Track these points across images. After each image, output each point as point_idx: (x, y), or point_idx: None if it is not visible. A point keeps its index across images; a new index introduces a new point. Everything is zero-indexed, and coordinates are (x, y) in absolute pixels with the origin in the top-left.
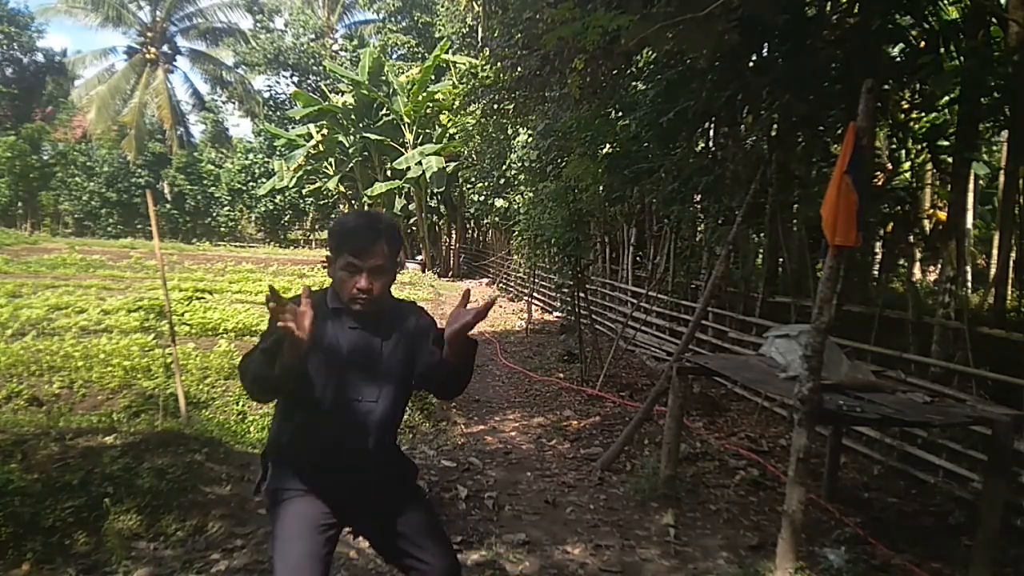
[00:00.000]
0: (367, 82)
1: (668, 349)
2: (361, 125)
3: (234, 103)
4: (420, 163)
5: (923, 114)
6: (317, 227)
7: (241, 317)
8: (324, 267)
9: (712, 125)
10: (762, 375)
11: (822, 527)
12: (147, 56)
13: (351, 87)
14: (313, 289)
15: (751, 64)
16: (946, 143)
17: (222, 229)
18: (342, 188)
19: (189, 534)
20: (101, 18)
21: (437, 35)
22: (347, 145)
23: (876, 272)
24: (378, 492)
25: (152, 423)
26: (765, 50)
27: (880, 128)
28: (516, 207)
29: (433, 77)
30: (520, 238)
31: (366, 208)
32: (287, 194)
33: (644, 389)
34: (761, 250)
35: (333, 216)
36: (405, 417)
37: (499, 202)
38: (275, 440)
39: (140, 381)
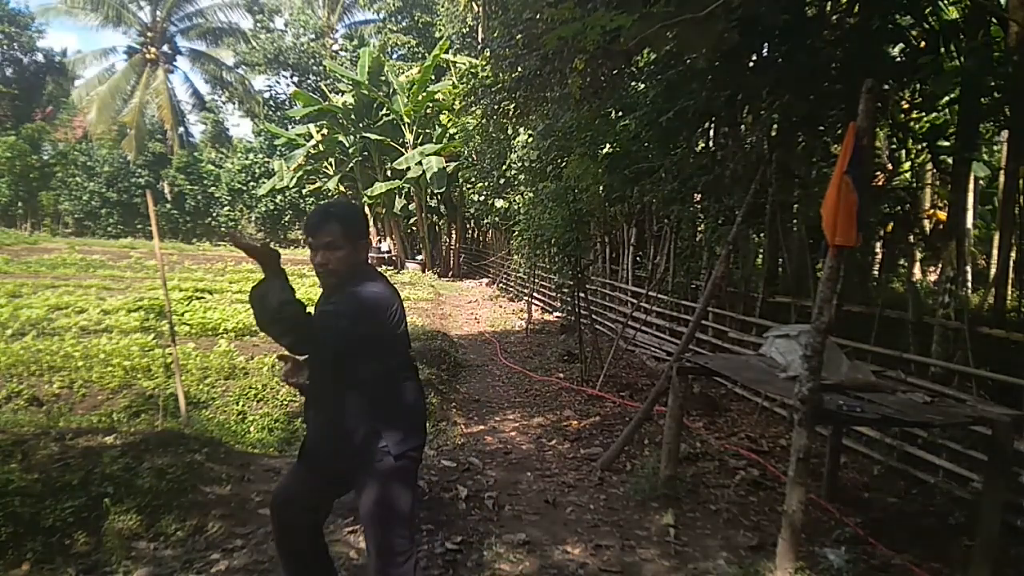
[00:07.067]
0: (367, 82)
1: (668, 349)
2: (361, 125)
3: (234, 103)
4: (420, 163)
5: (923, 114)
6: None
7: (241, 317)
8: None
9: (712, 125)
10: (762, 375)
11: (822, 527)
12: (147, 56)
13: (351, 87)
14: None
15: (751, 64)
16: (946, 143)
17: (222, 229)
18: (342, 188)
19: (189, 534)
20: (101, 18)
21: (437, 35)
22: (347, 145)
23: (876, 272)
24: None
25: (152, 423)
26: (765, 50)
27: (880, 128)
28: (516, 207)
29: (433, 77)
30: (520, 238)
31: (366, 207)
32: (287, 194)
33: (644, 389)
34: (761, 250)
35: None
36: None
37: (499, 202)
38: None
39: (140, 381)
